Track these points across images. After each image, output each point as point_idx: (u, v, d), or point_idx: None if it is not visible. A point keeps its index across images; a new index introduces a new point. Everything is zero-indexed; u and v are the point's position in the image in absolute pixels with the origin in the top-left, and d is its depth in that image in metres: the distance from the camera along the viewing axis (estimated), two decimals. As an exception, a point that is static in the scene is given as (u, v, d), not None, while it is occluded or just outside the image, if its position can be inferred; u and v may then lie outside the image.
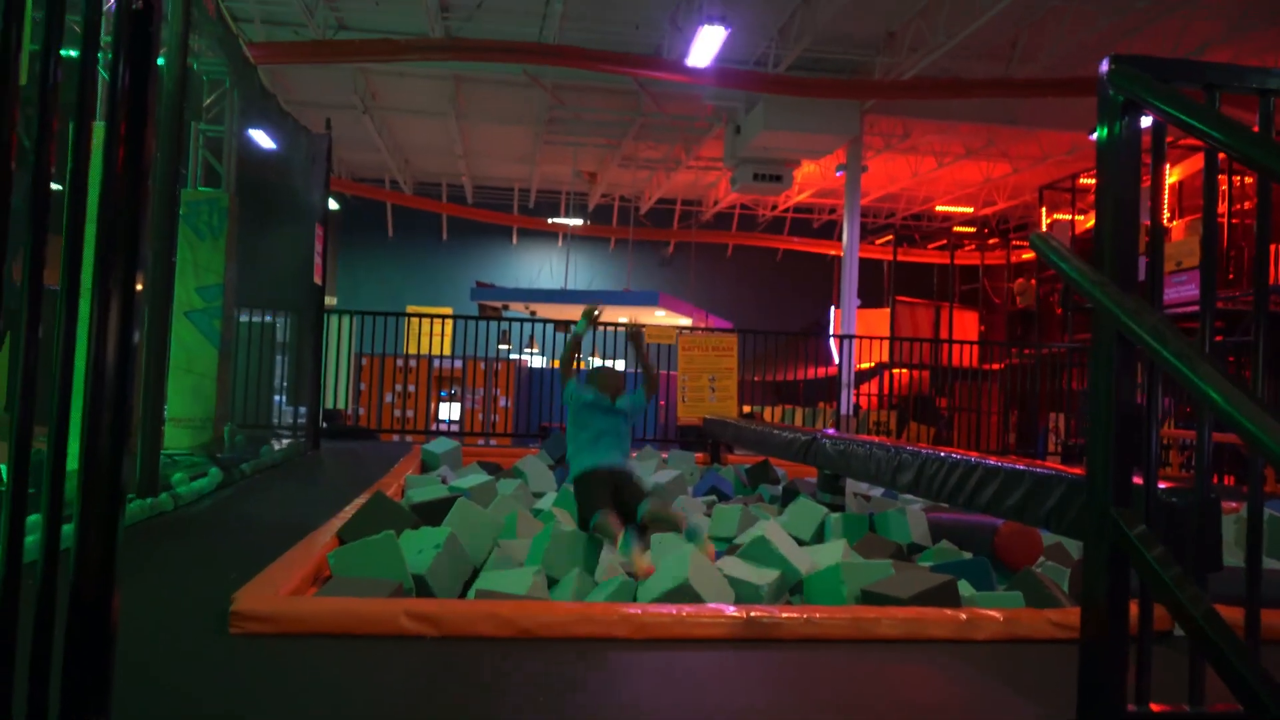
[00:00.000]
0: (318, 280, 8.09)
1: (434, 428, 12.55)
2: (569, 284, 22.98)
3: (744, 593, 3.21)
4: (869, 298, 18.82)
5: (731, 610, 2.71)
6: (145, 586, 3.03)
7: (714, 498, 6.56)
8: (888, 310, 19.34)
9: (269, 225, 8.54)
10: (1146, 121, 1.80)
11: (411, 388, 13.17)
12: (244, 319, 8.64)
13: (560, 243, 24.85)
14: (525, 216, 24.61)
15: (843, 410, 14.04)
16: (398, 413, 13.15)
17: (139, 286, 1.64)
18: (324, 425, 10.59)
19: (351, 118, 17.36)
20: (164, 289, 4.55)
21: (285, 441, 8.01)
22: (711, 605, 2.81)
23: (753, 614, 2.70)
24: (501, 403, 13.80)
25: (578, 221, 24.01)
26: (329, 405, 11.77)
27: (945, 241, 22.53)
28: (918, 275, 22.66)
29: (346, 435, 10.27)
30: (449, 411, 13.15)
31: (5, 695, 1.25)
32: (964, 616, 2.79)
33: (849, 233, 15.65)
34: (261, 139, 8.50)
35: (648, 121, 17.63)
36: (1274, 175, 1.38)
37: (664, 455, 8.12)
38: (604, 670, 2.40)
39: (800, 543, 4.91)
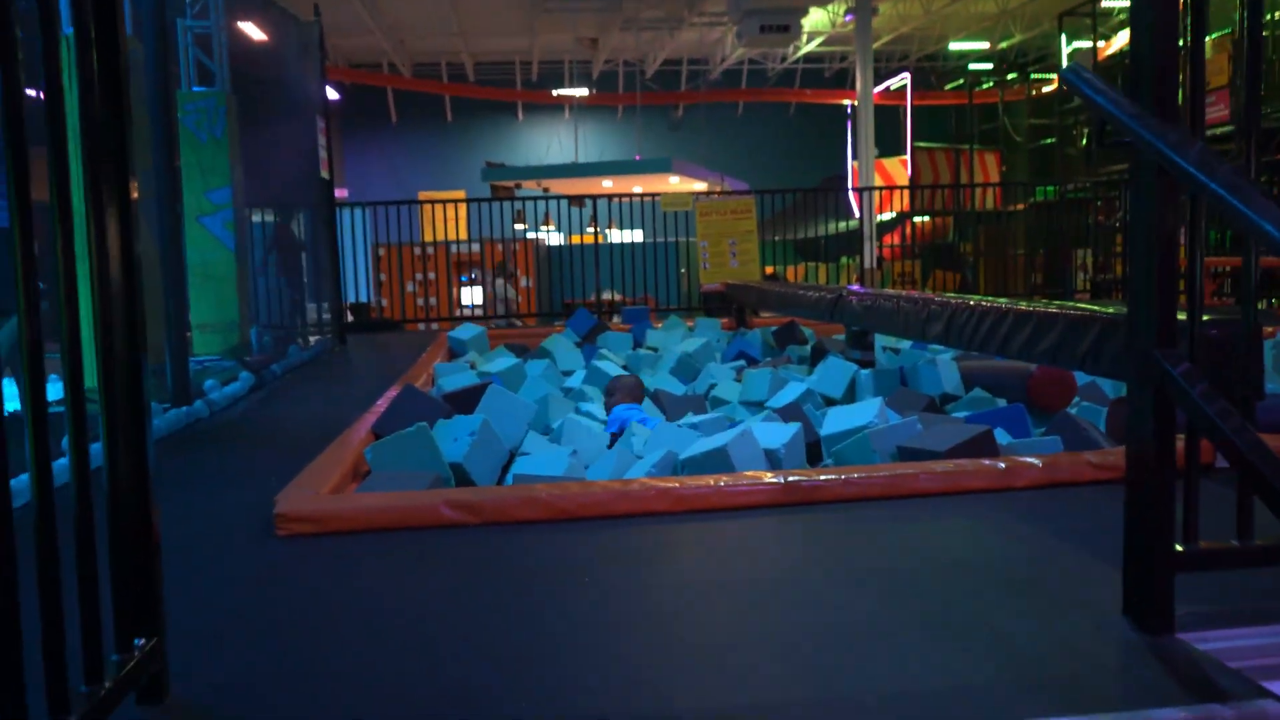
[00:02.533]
0: (324, 174, 7.95)
1: (458, 313, 12.56)
2: (579, 157, 22.54)
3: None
4: (886, 146, 18.34)
5: (770, 477, 2.71)
6: (189, 496, 3.08)
7: (743, 362, 6.55)
8: (906, 158, 18.88)
9: (269, 121, 8.36)
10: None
11: (432, 275, 13.12)
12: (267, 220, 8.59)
13: (567, 115, 24.28)
14: (529, 91, 23.99)
15: (866, 264, 13.87)
16: (420, 301, 13.14)
17: (134, 195, 1.59)
18: (350, 319, 10.63)
19: (340, 1, 16.79)
20: (171, 195, 4.47)
21: (313, 339, 8.04)
22: (749, 473, 2.82)
23: (790, 478, 2.70)
24: (524, 282, 13.73)
25: (583, 91, 23.39)
26: (352, 299, 11.79)
27: (962, 81, 21.79)
28: (936, 119, 22.03)
29: (372, 328, 10.29)
30: (471, 296, 13.11)
31: (56, 622, 1.25)
32: (1003, 465, 2.77)
33: (861, 80, 15.14)
34: (251, 32, 8.24)
35: (647, -21, 16.94)
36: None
37: (689, 324, 8.09)
38: (645, 545, 2.42)
39: (830, 401, 4.91)
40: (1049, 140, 18.69)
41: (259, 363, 6.01)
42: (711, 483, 2.67)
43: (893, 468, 2.81)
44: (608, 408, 4.58)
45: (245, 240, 7.90)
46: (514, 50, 22.77)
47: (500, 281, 12.36)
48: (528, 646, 1.80)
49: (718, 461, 3.00)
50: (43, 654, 1.24)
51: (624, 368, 6.32)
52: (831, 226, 19.03)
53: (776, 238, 12.88)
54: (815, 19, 19.97)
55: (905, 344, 6.60)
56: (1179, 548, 1.72)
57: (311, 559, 2.37)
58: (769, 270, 16.47)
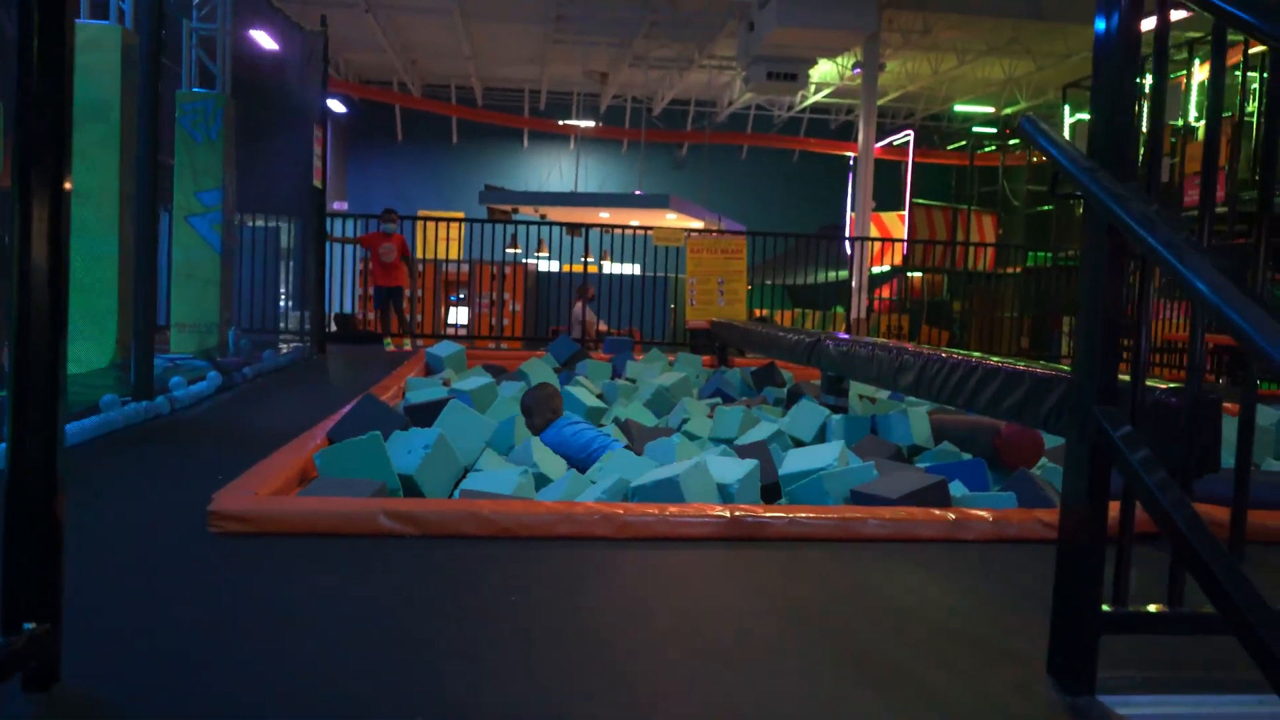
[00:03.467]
0: (317, 183, 7.96)
1: (443, 332, 12.54)
2: (579, 187, 22.64)
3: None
4: (886, 200, 18.47)
5: (715, 510, 2.68)
6: (132, 489, 3.03)
7: (719, 400, 6.53)
8: (904, 213, 19.00)
9: (267, 127, 8.38)
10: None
11: (420, 292, 13.10)
12: (258, 224, 8.56)
13: (572, 145, 24.43)
14: (536, 119, 24.16)
15: (854, 314, 13.90)
16: (408, 317, 13.11)
17: (68, 185, 1.56)
18: (333, 330, 10.59)
19: (355, 17, 16.93)
20: (149, 192, 4.45)
21: (291, 346, 8.00)
22: (695, 504, 2.78)
23: (736, 513, 2.67)
24: (511, 306, 13.74)
25: (589, 123, 23.55)
26: (340, 310, 11.76)
27: (965, 142, 21.99)
28: (936, 177, 22.20)
29: (356, 340, 10.26)
30: (458, 315, 13.10)
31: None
32: (952, 516, 2.74)
33: (864, 133, 15.27)
34: (256, 38, 8.28)
35: (659, 19, 17.11)
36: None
37: (670, 359, 8.08)
38: (581, 569, 2.38)
39: (800, 444, 4.88)
40: (1046, 207, 18.84)
41: (230, 364, 5.97)
42: (655, 511, 2.64)
43: (841, 510, 2.77)
44: (531, 428, 4.45)
45: (232, 243, 7.88)
46: (524, 78, 22.96)
47: (580, 305, 11.89)
48: (432, 652, 1.75)
49: (668, 492, 2.96)
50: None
51: (599, 396, 6.30)
52: (825, 275, 19.11)
53: (770, 282, 12.95)
54: (824, 70, 20.18)
55: (884, 394, 6.59)
56: (1106, 608, 1.69)
57: (239, 559, 2.32)
58: (759, 313, 16.51)
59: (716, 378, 7.17)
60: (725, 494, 3.14)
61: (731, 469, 3.29)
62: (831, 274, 18.79)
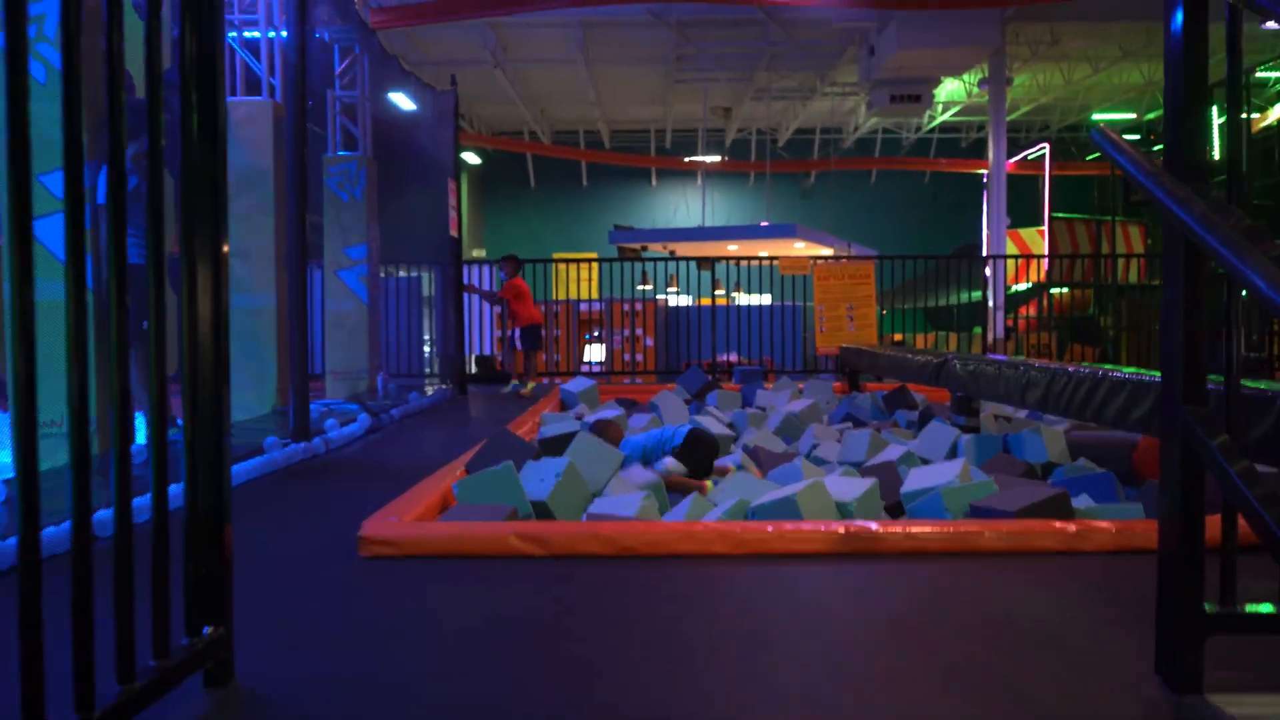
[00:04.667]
0: (454, 233, 8.39)
1: (581, 369, 12.88)
2: (706, 221, 22.88)
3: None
4: (1024, 216, 17.94)
5: (828, 526, 2.75)
6: (291, 520, 3.32)
7: (849, 424, 6.54)
8: (1044, 228, 18.41)
9: (406, 184, 8.89)
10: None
11: (558, 332, 13.51)
12: (400, 275, 9.06)
13: (699, 181, 24.73)
14: (662, 157, 24.59)
15: (995, 334, 13.55)
16: (546, 356, 13.53)
17: (225, 249, 1.80)
18: (475, 371, 11.05)
19: (485, 73, 17.71)
20: (300, 250, 4.85)
21: (435, 388, 8.42)
22: (809, 522, 2.86)
23: (850, 529, 2.73)
24: (646, 342, 13.99)
25: (715, 158, 23.80)
26: (480, 353, 12.26)
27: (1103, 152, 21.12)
28: (1077, 190, 21.42)
29: (495, 380, 10.67)
30: (593, 353, 13.43)
31: (127, 607, 1.44)
32: (1073, 528, 2.73)
33: (995, 148, 14.95)
34: (393, 101, 8.82)
35: (778, 51, 17.24)
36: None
37: (800, 386, 8.11)
38: (700, 582, 2.50)
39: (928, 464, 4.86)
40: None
41: (379, 407, 6.36)
42: (770, 528, 2.73)
43: (958, 524, 2.80)
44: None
45: (377, 293, 8.37)
46: (649, 119, 23.44)
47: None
48: (555, 658, 1.90)
49: (787, 510, 3.05)
50: (116, 633, 1.43)
51: (729, 425, 6.39)
52: (964, 296, 18.66)
53: (907, 305, 12.77)
54: (951, 89, 19.86)
55: (1021, 413, 6.46)
56: (1209, 609, 1.70)
57: (386, 578, 2.54)
58: (897, 338, 16.26)
59: (846, 403, 7.17)
60: (844, 512, 3.20)
61: (850, 488, 3.34)
62: (969, 295, 18.33)
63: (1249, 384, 2.70)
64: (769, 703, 1.72)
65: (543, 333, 10.54)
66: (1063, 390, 4.12)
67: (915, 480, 3.62)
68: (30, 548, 1.21)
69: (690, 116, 22.64)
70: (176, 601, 1.60)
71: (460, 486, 3.42)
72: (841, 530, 2.73)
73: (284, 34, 6.52)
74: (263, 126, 6.62)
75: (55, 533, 2.53)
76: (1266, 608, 1.67)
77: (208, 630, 1.71)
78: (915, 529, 2.75)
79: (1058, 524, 2.76)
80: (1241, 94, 1.71)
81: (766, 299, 12.63)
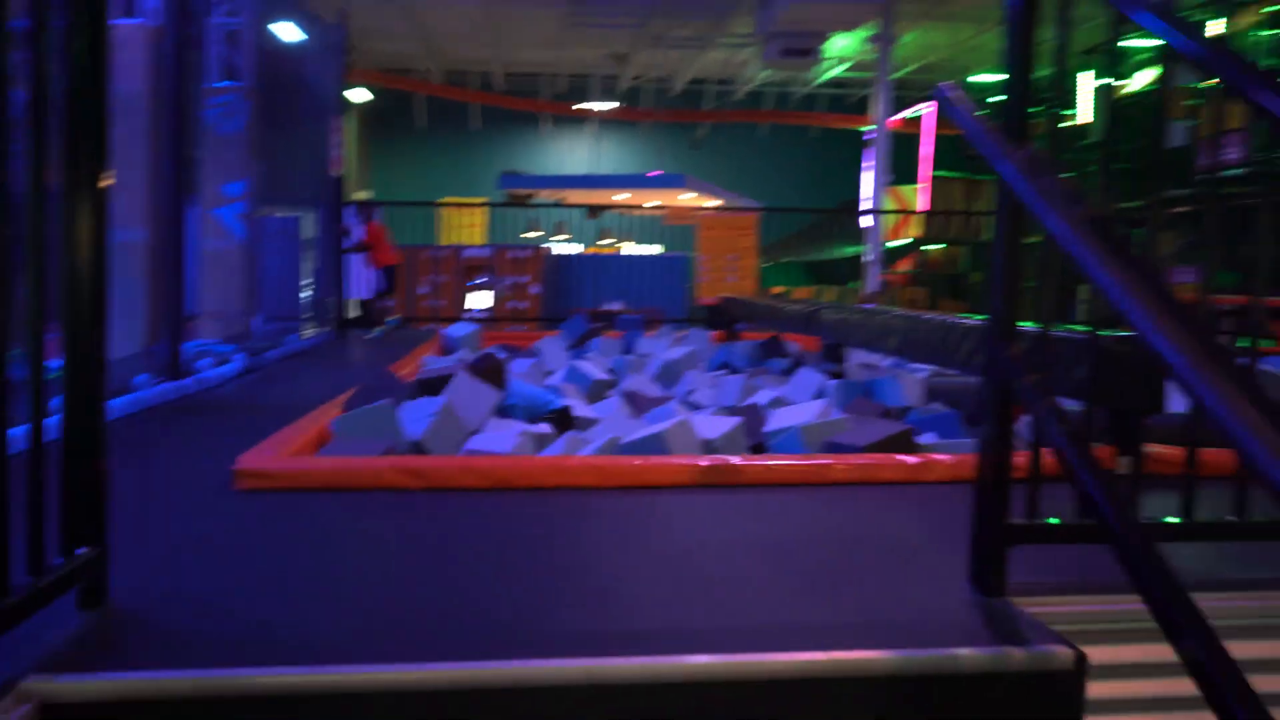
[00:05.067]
0: (334, 173, 8.24)
1: (465, 316, 12.84)
2: (599, 170, 22.86)
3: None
4: (905, 174, 18.50)
5: (691, 459, 2.92)
6: (165, 457, 3.32)
7: (725, 371, 6.77)
8: (921, 186, 19.03)
9: (289, 120, 8.66)
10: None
11: (445, 278, 13.41)
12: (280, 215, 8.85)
13: (594, 129, 24.62)
14: (555, 103, 24.36)
15: (869, 287, 14.05)
16: (431, 303, 13.42)
17: (109, 180, 1.81)
18: (357, 316, 10.91)
19: (377, 6, 17.19)
20: (174, 185, 4.74)
21: (314, 331, 8.32)
22: (674, 456, 3.02)
23: (711, 462, 2.91)
24: (532, 289, 14.02)
25: (607, 105, 23.71)
26: (360, 297, 12.08)
27: (984, 113, 21.86)
28: (957, 150, 22.15)
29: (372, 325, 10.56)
30: (479, 300, 13.40)
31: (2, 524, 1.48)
32: (914, 460, 2.97)
33: (879, 105, 15.35)
34: (278, 31, 8.55)
35: (674, -3, 17.23)
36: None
37: (680, 334, 8.31)
38: (569, 511, 2.63)
39: (797, 409, 5.10)
40: (1068, 174, 18.76)
41: (255, 348, 6.28)
42: (638, 462, 2.89)
43: (811, 457, 3.01)
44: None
45: (256, 233, 8.19)
46: (544, 63, 23.13)
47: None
48: (431, 572, 2.02)
49: (655, 447, 3.21)
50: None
51: (609, 371, 6.54)
52: (845, 251, 19.20)
53: (790, 259, 13.11)
54: (843, 45, 20.19)
55: (888, 362, 6.79)
56: (1012, 523, 1.92)
57: (260, 507, 2.60)
58: (777, 290, 16.63)
59: (724, 350, 7.40)
60: (709, 448, 3.38)
61: (716, 426, 3.53)
62: (850, 249, 18.87)
63: (1068, 328, 2.99)
64: (628, 603, 1.87)
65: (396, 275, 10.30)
66: (920, 337, 4.39)
67: (777, 420, 3.84)
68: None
69: (585, 62, 22.46)
70: (55, 527, 1.65)
71: (338, 423, 3.47)
72: (704, 463, 2.90)
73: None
74: (136, 51, 6.37)
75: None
76: (1054, 520, 1.90)
77: (82, 551, 1.76)
78: (772, 461, 2.95)
79: (900, 457, 2.99)
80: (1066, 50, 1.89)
81: (657, 249, 12.79)
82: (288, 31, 8.74)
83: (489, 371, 4.50)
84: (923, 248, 18.07)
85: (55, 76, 1.72)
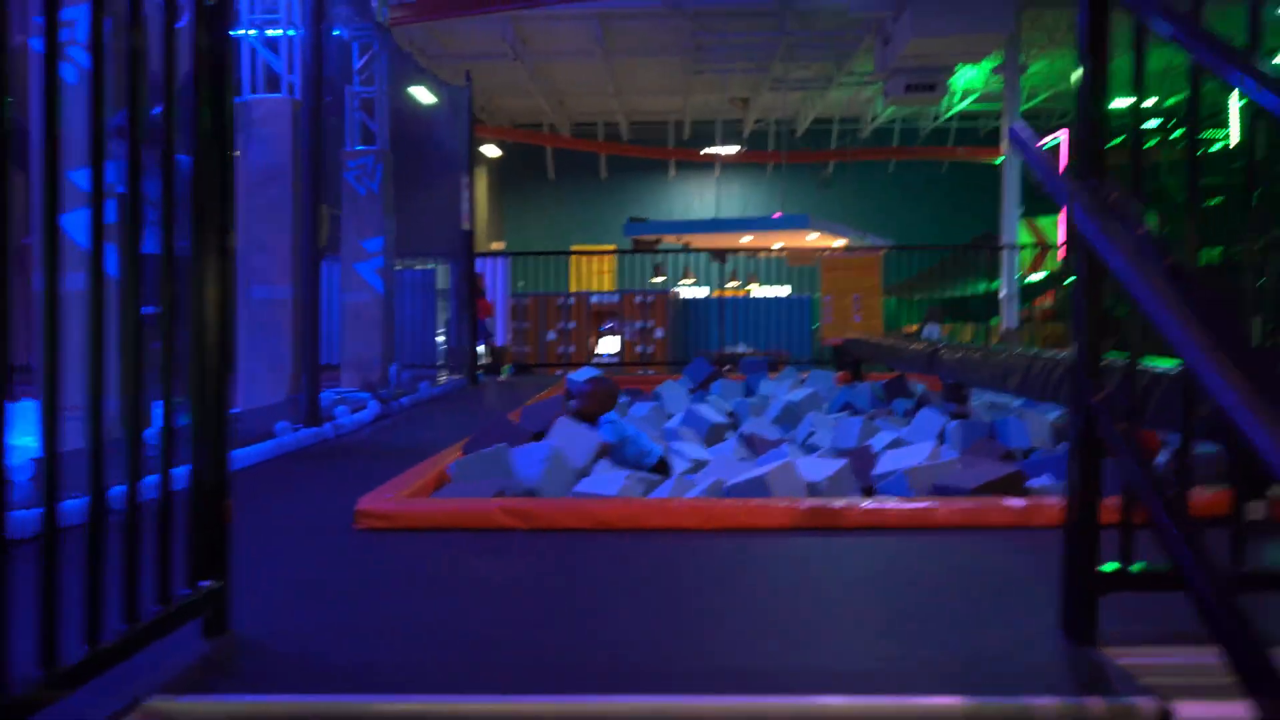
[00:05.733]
0: (466, 226, 8.61)
1: (595, 361, 13.09)
2: (722, 212, 23.02)
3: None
4: (1043, 204, 17.94)
5: (792, 502, 2.94)
6: (294, 498, 3.55)
7: (847, 413, 6.71)
8: (1061, 217, 18.39)
9: (422, 178, 9.12)
10: None
11: (573, 324, 13.73)
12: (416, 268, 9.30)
13: (717, 173, 24.87)
14: (680, 149, 24.75)
15: (1006, 323, 13.64)
16: (560, 349, 13.75)
17: (231, 242, 2.00)
18: (489, 362, 11.30)
19: (505, 66, 17.94)
20: (311, 243, 5.07)
21: (447, 378, 8.66)
22: (776, 499, 3.04)
23: (812, 506, 2.92)
24: (657, 334, 14.20)
25: (732, 149, 23.93)
26: (497, 345, 12.50)
27: (1123, 138, 21.05)
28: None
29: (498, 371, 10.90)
30: (607, 345, 13.65)
31: (134, 559, 1.65)
32: (1023, 504, 2.90)
33: (1008, 136, 14.98)
34: (410, 96, 9.05)
35: (795, 41, 17.37)
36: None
37: (803, 376, 8.27)
38: (673, 554, 2.69)
39: (915, 450, 5.01)
40: (1215, 200, 17.85)
41: (390, 395, 6.59)
42: (739, 504, 2.92)
43: (914, 501, 2.98)
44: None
45: (392, 285, 8.61)
46: (668, 110, 23.60)
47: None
48: (532, 609, 2.11)
49: (758, 489, 3.23)
50: (123, 582, 1.64)
51: (729, 414, 6.57)
52: (981, 287, 18.69)
53: (923, 296, 12.87)
54: (970, 77, 19.87)
55: (1018, 402, 6.60)
56: (1104, 570, 1.87)
57: (378, 546, 2.76)
58: (911, 328, 16.33)
59: (846, 392, 7.33)
60: (814, 491, 3.38)
61: (822, 468, 3.52)
62: (987, 285, 18.37)
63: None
64: (718, 632, 1.92)
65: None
66: (1037, 375, 4.28)
67: (887, 462, 3.80)
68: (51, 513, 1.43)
69: (708, 108, 22.79)
70: (182, 563, 1.82)
71: (456, 466, 3.63)
72: (804, 507, 2.91)
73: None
74: (282, 123, 6.86)
75: (75, 505, 2.76)
76: (1139, 566, 1.84)
77: (205, 584, 1.93)
78: (873, 505, 2.93)
79: (1008, 501, 2.93)
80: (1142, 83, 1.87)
81: (785, 290, 12.77)
82: (419, 96, 9.23)
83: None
84: (1065, 282, 17.40)
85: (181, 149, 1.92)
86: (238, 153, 7.02)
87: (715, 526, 2.91)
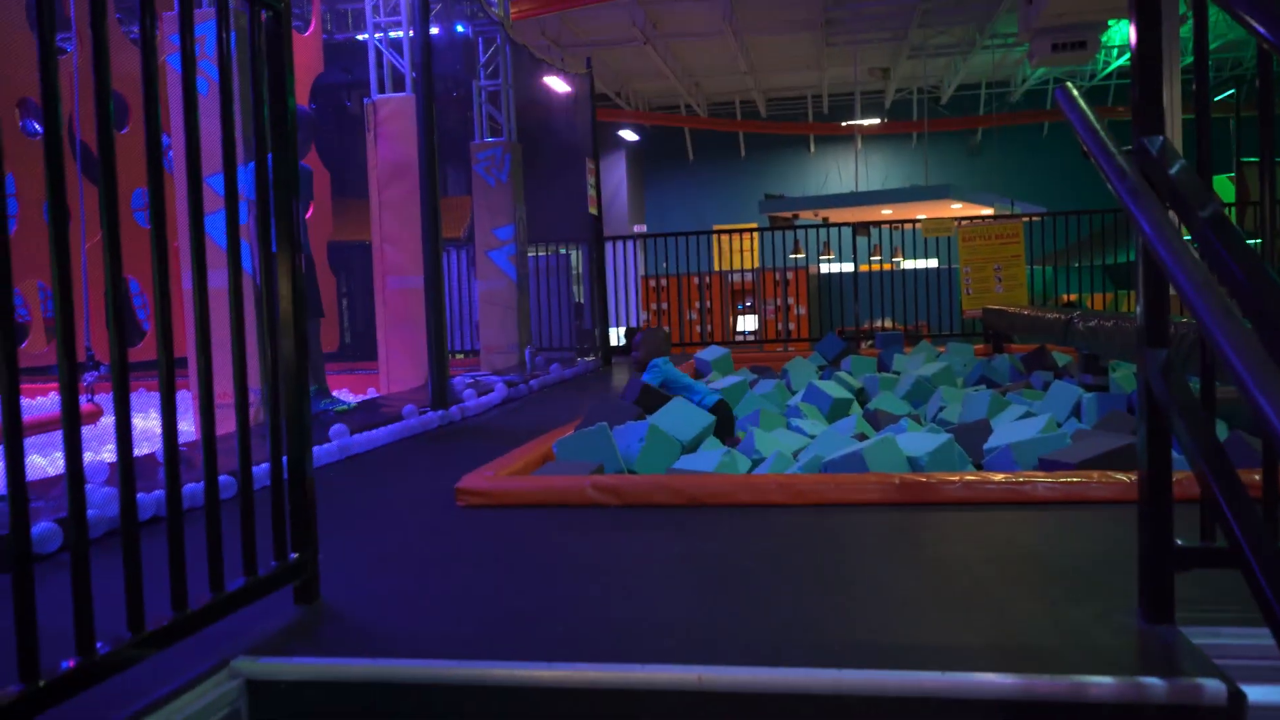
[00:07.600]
0: (592, 211, 8.76)
1: (735, 339, 13.07)
2: (862, 185, 22.47)
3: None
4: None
5: (882, 478, 2.89)
6: (407, 477, 3.74)
7: (983, 386, 6.50)
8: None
9: (551, 166, 9.33)
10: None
11: (710, 303, 13.73)
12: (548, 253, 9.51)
13: (859, 145, 24.28)
14: (819, 123, 24.28)
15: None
16: (699, 328, 13.77)
17: (298, 240, 2.14)
18: (623, 344, 11.45)
19: (638, 50, 18.03)
20: (432, 234, 5.28)
21: (580, 360, 8.85)
22: (868, 474, 3.00)
23: (903, 481, 2.87)
24: (798, 310, 14.00)
25: (872, 121, 23.31)
26: (631, 325, 12.64)
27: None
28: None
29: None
30: (746, 323, 13.58)
31: (216, 535, 1.80)
32: (1126, 479, 2.77)
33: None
34: (533, 88, 9.25)
35: (930, 6, 16.74)
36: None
37: (941, 350, 8.04)
38: (756, 527, 2.70)
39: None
40: None
41: (520, 378, 6.80)
42: (828, 480, 2.90)
43: (1012, 475, 2.88)
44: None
45: (525, 271, 8.85)
46: (804, 85, 23.17)
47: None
48: (612, 582, 2.17)
49: (855, 464, 3.19)
50: (207, 553, 1.79)
51: (859, 390, 6.47)
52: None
53: (1083, 263, 12.20)
54: (1126, 32, 18.68)
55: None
56: (1179, 544, 1.79)
57: (476, 521, 2.89)
58: (1069, 298, 15.59)
59: (982, 365, 7.09)
60: (915, 465, 3.31)
61: (926, 443, 3.45)
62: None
63: None
64: (771, 616, 1.93)
65: None
66: (1179, 343, 4.03)
67: (999, 436, 3.68)
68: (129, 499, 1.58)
69: (847, 80, 22.25)
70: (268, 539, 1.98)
71: (559, 445, 3.74)
72: (896, 481, 2.87)
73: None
74: (407, 120, 7.14)
75: (190, 489, 3.00)
76: (1221, 543, 1.74)
77: (294, 555, 2.07)
78: (968, 479, 2.86)
79: (1113, 474, 2.80)
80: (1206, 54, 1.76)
81: (933, 263, 12.38)
82: (550, 85, 9.42)
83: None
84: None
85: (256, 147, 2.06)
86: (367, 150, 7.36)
87: (804, 502, 2.90)
